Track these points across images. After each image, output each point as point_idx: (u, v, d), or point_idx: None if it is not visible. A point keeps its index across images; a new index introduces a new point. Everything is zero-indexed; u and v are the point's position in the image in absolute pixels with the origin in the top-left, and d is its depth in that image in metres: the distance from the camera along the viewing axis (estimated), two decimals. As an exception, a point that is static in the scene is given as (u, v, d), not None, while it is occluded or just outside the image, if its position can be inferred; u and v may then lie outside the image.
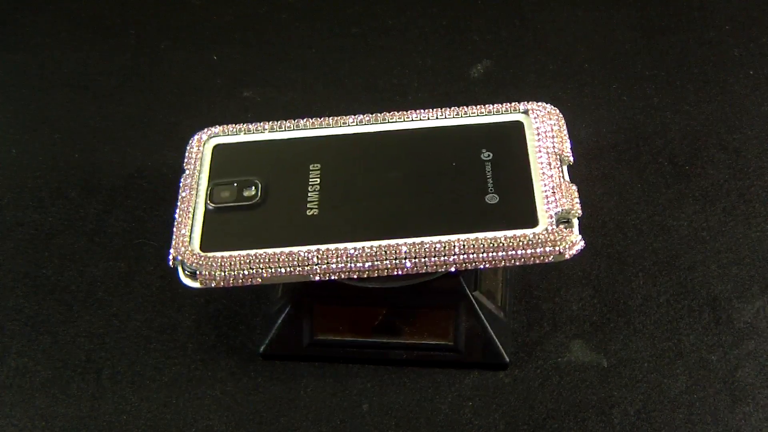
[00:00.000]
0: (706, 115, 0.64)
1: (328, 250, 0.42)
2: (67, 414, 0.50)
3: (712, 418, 0.49)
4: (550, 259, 0.42)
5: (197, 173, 0.48)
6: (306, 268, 0.42)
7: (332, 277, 0.42)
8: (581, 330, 0.53)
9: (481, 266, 0.42)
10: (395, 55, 0.69)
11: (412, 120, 0.48)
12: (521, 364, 0.51)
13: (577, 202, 0.43)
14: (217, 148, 0.49)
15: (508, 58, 0.68)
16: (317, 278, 0.42)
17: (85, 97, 0.66)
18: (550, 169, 0.44)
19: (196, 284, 0.43)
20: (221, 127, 0.50)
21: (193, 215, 0.45)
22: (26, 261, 0.56)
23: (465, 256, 0.42)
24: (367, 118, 0.48)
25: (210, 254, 0.43)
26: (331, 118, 0.48)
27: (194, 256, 0.43)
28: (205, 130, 0.49)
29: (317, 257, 0.42)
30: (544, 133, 0.46)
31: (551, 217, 0.42)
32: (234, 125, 0.49)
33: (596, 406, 0.50)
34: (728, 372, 0.51)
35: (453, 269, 0.42)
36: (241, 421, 0.49)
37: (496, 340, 0.50)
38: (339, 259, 0.42)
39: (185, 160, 0.48)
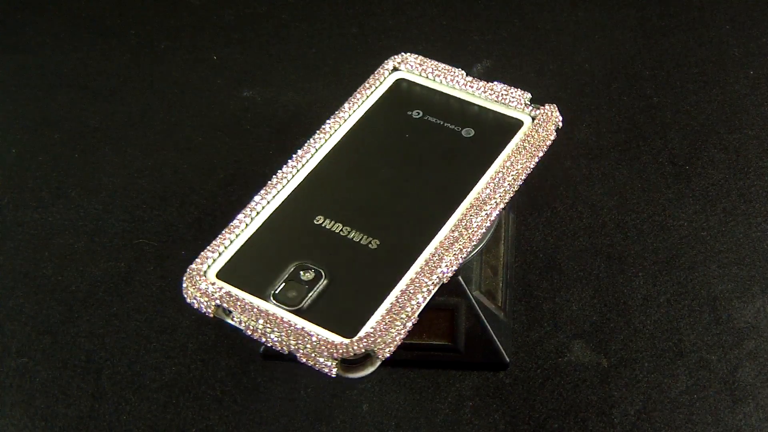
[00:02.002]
0: (706, 115, 0.64)
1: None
2: (67, 414, 0.50)
3: (713, 418, 0.49)
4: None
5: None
6: None
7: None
8: (581, 330, 0.53)
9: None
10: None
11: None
12: (521, 364, 0.51)
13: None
14: None
15: (508, 58, 0.68)
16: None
17: (85, 97, 0.66)
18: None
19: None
20: None
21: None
22: (26, 261, 0.56)
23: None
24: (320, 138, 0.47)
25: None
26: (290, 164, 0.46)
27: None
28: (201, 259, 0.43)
29: None
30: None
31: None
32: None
33: (596, 406, 0.50)
34: (728, 372, 0.51)
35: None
36: (241, 421, 0.49)
37: (496, 340, 0.50)
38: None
39: None
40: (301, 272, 0.40)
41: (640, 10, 0.71)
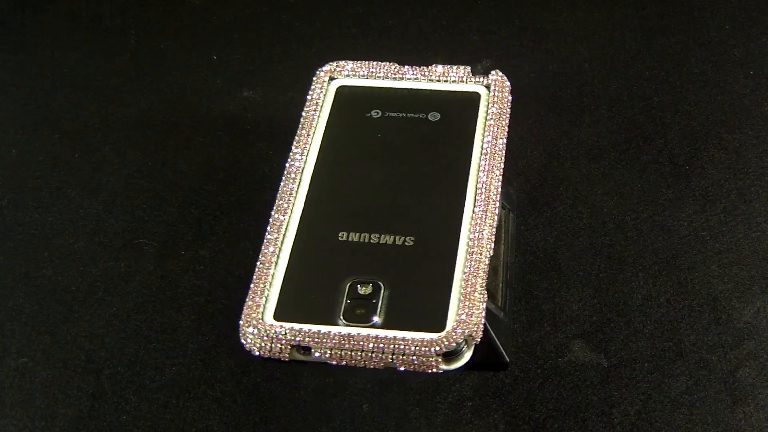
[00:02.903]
0: (706, 115, 0.64)
1: None
2: (67, 414, 0.50)
3: (713, 418, 0.49)
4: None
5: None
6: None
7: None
8: (581, 330, 0.53)
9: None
10: (395, 55, 0.69)
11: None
12: (521, 364, 0.51)
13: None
14: None
15: (508, 58, 0.68)
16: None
17: (85, 97, 0.66)
18: None
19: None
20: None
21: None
22: (26, 261, 0.56)
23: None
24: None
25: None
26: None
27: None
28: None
29: None
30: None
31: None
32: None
33: (596, 406, 0.50)
34: (728, 372, 0.51)
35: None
36: (241, 421, 0.49)
37: (496, 340, 0.50)
38: None
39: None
40: (358, 288, 0.40)
41: (640, 10, 0.71)
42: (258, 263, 0.41)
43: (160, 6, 0.73)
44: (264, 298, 0.40)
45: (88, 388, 0.51)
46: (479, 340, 0.38)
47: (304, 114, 0.47)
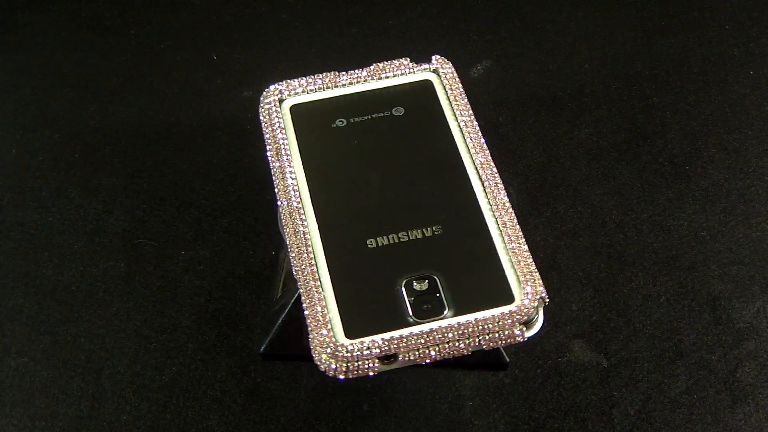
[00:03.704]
0: (706, 115, 0.64)
1: None
2: (67, 414, 0.50)
3: (713, 418, 0.49)
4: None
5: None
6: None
7: None
8: (581, 330, 0.53)
9: None
10: (395, 55, 0.69)
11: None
12: (521, 364, 0.51)
13: None
14: None
15: (508, 58, 0.68)
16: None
17: (85, 97, 0.66)
18: None
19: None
20: None
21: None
22: (26, 261, 0.56)
23: None
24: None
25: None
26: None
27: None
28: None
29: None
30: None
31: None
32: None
33: (596, 406, 0.50)
34: (728, 372, 0.51)
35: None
36: (241, 421, 0.49)
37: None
38: None
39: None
40: (414, 285, 0.40)
41: (640, 10, 0.71)
42: (302, 290, 0.40)
43: (160, 6, 0.73)
44: (327, 322, 0.39)
45: (88, 388, 0.51)
46: (547, 301, 0.39)
47: (269, 139, 0.46)
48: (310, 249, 0.41)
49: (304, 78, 0.48)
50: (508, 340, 0.38)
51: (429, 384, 0.51)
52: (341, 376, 0.38)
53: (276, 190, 0.44)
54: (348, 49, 0.69)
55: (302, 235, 0.42)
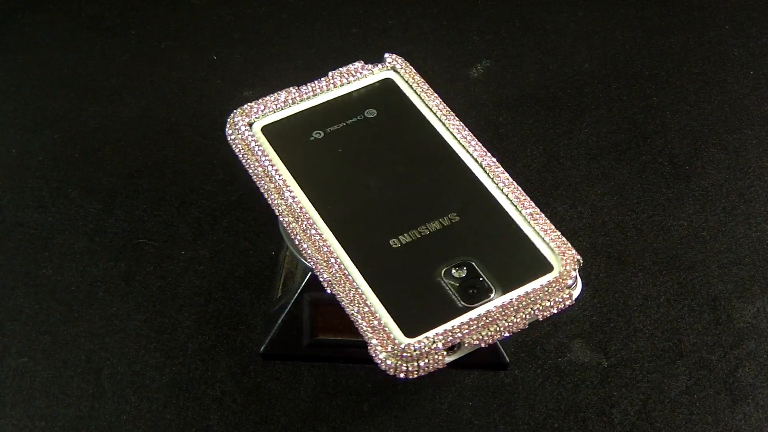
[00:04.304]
0: (706, 115, 0.64)
1: None
2: (67, 414, 0.50)
3: (713, 418, 0.49)
4: None
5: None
6: None
7: None
8: (581, 330, 0.53)
9: None
10: (234, 114, 0.69)
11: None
12: (521, 364, 0.51)
13: None
14: None
15: (508, 58, 0.68)
16: None
17: (85, 97, 0.66)
18: None
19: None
20: None
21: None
22: (26, 261, 0.56)
23: None
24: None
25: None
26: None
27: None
28: None
29: None
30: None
31: None
32: None
33: (596, 406, 0.50)
34: (728, 372, 0.51)
35: None
36: (241, 421, 0.49)
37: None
38: None
39: None
40: (454, 273, 0.40)
41: (640, 10, 0.71)
42: (344, 303, 0.40)
43: (160, 6, 0.73)
44: (383, 327, 0.39)
45: (88, 388, 0.51)
46: (582, 262, 0.41)
47: (251, 163, 0.45)
48: (338, 261, 0.41)
49: (266, 98, 0.48)
50: (559, 306, 0.39)
51: (429, 384, 0.51)
52: (413, 376, 0.38)
53: (277, 211, 0.44)
54: (348, 49, 0.70)
55: (325, 250, 0.41)
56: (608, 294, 0.54)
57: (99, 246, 0.57)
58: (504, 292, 0.39)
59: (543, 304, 0.39)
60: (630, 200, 0.59)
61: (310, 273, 0.48)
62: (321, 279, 0.41)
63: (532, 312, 0.39)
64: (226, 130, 0.47)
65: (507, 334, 0.39)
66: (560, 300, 0.39)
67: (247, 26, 0.71)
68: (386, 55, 0.50)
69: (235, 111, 0.47)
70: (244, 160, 0.46)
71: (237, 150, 0.46)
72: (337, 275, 0.41)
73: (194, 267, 0.56)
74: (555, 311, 0.39)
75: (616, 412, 0.49)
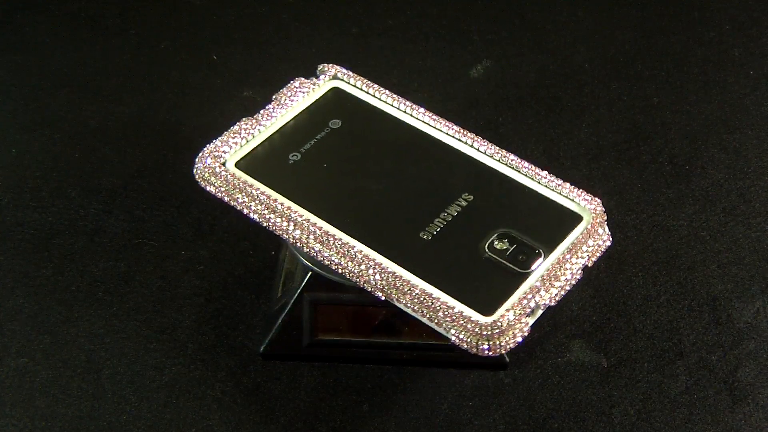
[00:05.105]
0: (706, 115, 0.64)
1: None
2: (67, 414, 0.50)
3: (712, 418, 0.49)
4: None
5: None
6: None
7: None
8: (581, 330, 0.53)
9: None
10: (395, 55, 0.69)
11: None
12: (521, 364, 0.51)
13: None
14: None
15: (508, 58, 0.68)
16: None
17: (85, 97, 0.66)
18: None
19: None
20: None
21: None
22: (26, 261, 0.56)
23: None
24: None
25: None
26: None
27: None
28: None
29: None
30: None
31: None
32: None
33: (596, 406, 0.50)
34: (728, 372, 0.51)
35: None
36: (241, 421, 0.49)
37: (496, 340, 0.50)
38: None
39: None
40: (497, 245, 0.42)
41: (640, 10, 0.71)
42: (409, 307, 0.40)
43: (160, 6, 0.73)
44: (460, 315, 0.39)
45: (88, 388, 0.51)
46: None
47: (245, 202, 0.44)
48: (386, 268, 0.41)
49: (222, 136, 0.46)
50: (602, 247, 0.42)
51: (429, 384, 0.51)
52: (506, 350, 0.39)
53: (292, 241, 0.43)
54: (348, 49, 0.70)
55: (371, 263, 0.41)
56: (608, 294, 0.54)
57: (99, 246, 0.57)
58: (550, 251, 0.41)
59: (588, 250, 0.42)
60: (630, 200, 0.59)
61: (310, 273, 0.48)
62: (374, 293, 0.41)
63: (584, 259, 0.41)
64: (197, 178, 0.45)
65: (568, 288, 0.41)
66: (601, 242, 0.42)
67: (247, 26, 0.71)
68: (320, 66, 0.50)
69: (199, 156, 0.46)
70: (233, 202, 0.45)
71: (220, 193, 0.45)
72: (391, 282, 0.41)
73: (194, 267, 0.56)
74: (599, 254, 0.42)
75: (616, 412, 0.49)
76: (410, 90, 0.66)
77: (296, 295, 0.49)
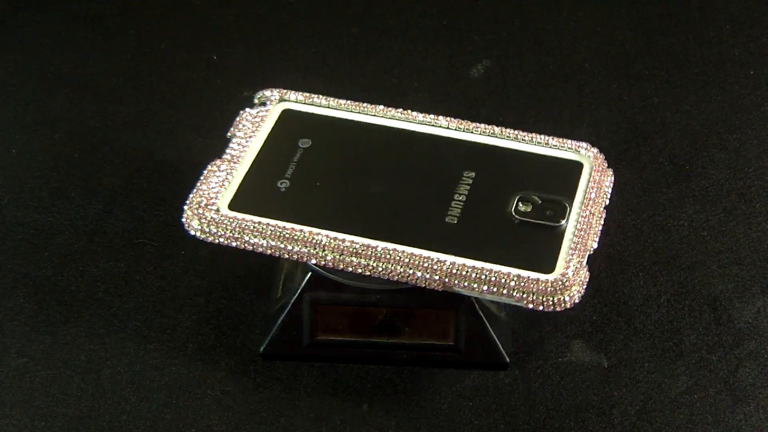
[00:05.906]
0: (706, 115, 0.64)
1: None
2: (67, 414, 0.50)
3: (713, 418, 0.49)
4: None
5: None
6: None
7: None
8: (581, 330, 0.53)
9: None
10: (395, 55, 0.69)
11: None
12: (521, 364, 0.51)
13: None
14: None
15: (508, 58, 0.68)
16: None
17: (85, 97, 0.66)
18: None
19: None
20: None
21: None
22: (26, 261, 0.56)
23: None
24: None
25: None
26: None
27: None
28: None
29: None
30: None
31: None
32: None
33: (596, 406, 0.50)
34: (729, 372, 0.51)
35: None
36: (241, 421, 0.49)
37: (496, 340, 0.50)
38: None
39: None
40: (521, 207, 0.43)
41: (640, 10, 0.71)
42: (474, 289, 0.41)
43: (160, 6, 0.73)
44: (527, 278, 0.41)
45: (88, 388, 0.51)
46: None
47: (255, 244, 0.44)
48: (432, 260, 0.41)
49: (199, 186, 0.46)
50: (611, 184, 0.45)
51: (429, 384, 0.51)
52: (575, 302, 0.41)
53: (323, 263, 0.43)
54: (348, 49, 0.70)
55: (414, 261, 0.42)
56: (608, 294, 0.54)
57: (99, 246, 0.57)
58: (571, 200, 0.43)
59: (603, 190, 0.45)
60: (630, 200, 0.59)
61: (310, 273, 0.48)
62: (429, 286, 0.42)
63: (603, 199, 0.44)
64: (195, 233, 0.45)
65: (601, 227, 0.44)
66: (609, 182, 0.45)
67: (247, 26, 0.71)
68: (259, 94, 0.50)
69: (186, 214, 0.45)
70: (243, 244, 0.44)
71: (226, 239, 0.44)
72: (446, 272, 0.41)
73: (194, 267, 0.56)
74: (610, 191, 0.45)
75: (616, 412, 0.49)
76: (410, 90, 0.66)
77: (296, 295, 0.49)
